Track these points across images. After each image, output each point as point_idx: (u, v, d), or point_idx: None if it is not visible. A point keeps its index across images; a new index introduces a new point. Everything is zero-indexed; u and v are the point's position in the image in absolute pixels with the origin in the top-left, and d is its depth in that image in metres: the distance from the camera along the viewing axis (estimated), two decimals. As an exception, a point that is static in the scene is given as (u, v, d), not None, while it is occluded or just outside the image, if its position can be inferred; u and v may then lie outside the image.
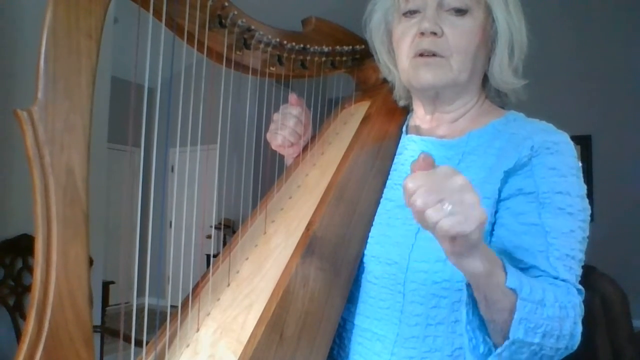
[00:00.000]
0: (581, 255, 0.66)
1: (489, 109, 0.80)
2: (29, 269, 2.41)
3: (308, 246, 0.69)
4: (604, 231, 4.07)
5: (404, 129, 0.87)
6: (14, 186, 2.38)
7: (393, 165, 0.83)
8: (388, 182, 0.80)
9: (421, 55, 0.73)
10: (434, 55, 0.72)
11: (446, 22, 0.72)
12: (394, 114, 0.89)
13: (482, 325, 0.62)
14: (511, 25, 0.74)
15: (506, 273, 0.57)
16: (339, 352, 0.76)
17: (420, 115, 0.83)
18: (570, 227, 0.65)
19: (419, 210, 0.50)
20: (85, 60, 0.54)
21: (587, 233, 0.67)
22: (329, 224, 0.73)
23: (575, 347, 0.62)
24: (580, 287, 0.65)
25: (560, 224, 0.65)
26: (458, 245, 0.51)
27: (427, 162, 0.52)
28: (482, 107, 0.80)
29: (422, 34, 0.72)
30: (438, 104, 0.79)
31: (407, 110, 0.90)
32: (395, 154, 0.84)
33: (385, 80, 0.90)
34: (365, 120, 0.88)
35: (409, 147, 0.82)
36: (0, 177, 2.36)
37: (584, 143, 4.33)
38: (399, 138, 0.86)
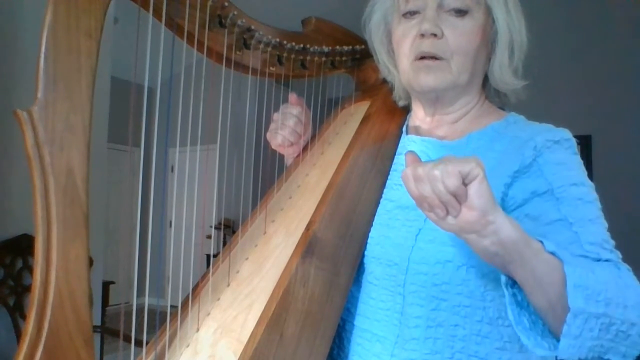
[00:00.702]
0: (612, 242, 0.64)
1: (489, 110, 0.80)
2: (29, 269, 2.41)
3: (308, 246, 0.69)
4: (604, 231, 4.08)
5: (404, 129, 0.87)
6: (14, 186, 2.38)
7: (393, 166, 0.82)
8: (388, 182, 0.80)
9: (422, 57, 0.73)
10: (434, 57, 0.72)
11: (446, 23, 0.71)
12: (393, 114, 0.89)
13: (536, 325, 0.58)
14: (511, 25, 0.73)
15: (541, 241, 0.56)
16: (338, 353, 0.76)
17: (420, 117, 0.83)
18: (594, 214, 0.65)
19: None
20: (85, 60, 0.54)
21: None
22: (329, 224, 0.73)
23: None
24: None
25: (583, 212, 0.64)
26: (472, 216, 0.52)
27: (413, 159, 0.56)
28: (482, 108, 0.79)
29: (423, 35, 0.71)
30: (439, 106, 0.79)
31: (406, 111, 0.90)
32: (395, 154, 0.84)
33: (385, 81, 0.90)
34: (365, 120, 0.88)
35: (409, 148, 0.82)
36: (0, 177, 2.36)
37: (584, 143, 4.32)
38: (399, 138, 0.86)
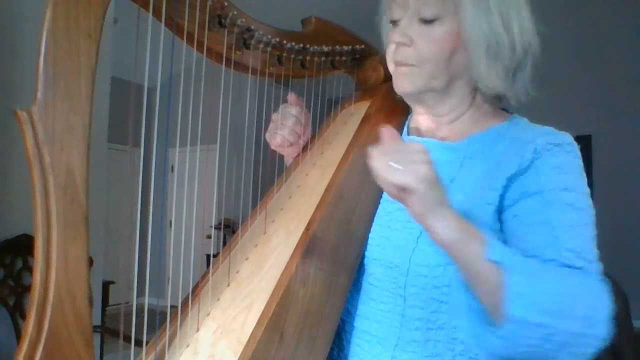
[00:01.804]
0: (596, 251, 0.64)
1: (492, 112, 0.78)
2: (29, 269, 2.41)
3: (308, 246, 0.69)
4: (604, 231, 4.07)
5: (405, 129, 0.87)
6: (14, 186, 2.38)
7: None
8: None
9: (398, 65, 0.76)
10: (406, 64, 0.74)
11: (417, 32, 0.72)
12: (394, 114, 0.89)
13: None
14: (494, 25, 0.70)
15: (489, 246, 0.57)
16: (338, 354, 0.76)
17: (419, 117, 0.83)
18: (580, 222, 0.64)
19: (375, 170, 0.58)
20: (85, 60, 0.54)
21: (595, 232, 0.66)
22: (329, 224, 0.73)
23: (603, 337, 0.56)
24: (603, 277, 0.61)
25: (568, 218, 0.64)
26: (414, 203, 0.56)
27: (390, 135, 0.61)
28: (481, 110, 0.78)
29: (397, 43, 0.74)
30: (425, 108, 0.79)
31: (407, 111, 0.90)
32: (395, 154, 0.84)
33: (385, 80, 0.90)
34: (365, 120, 0.88)
35: None
36: (0, 177, 2.36)
37: (584, 143, 4.30)
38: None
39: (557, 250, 0.62)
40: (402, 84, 0.76)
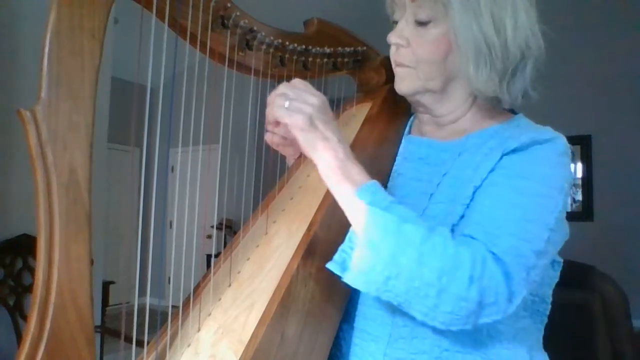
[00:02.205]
0: (526, 235, 0.62)
1: (493, 112, 0.78)
2: (29, 269, 2.41)
3: (309, 247, 0.69)
4: (604, 231, 4.07)
5: (406, 130, 0.87)
6: (14, 186, 2.38)
7: (395, 167, 0.83)
8: (389, 184, 0.81)
9: (396, 65, 0.77)
10: (402, 65, 0.76)
11: (413, 33, 0.74)
12: (395, 116, 0.89)
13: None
14: (484, 27, 0.68)
15: (361, 188, 0.62)
16: (335, 353, 0.76)
17: (421, 118, 0.84)
18: (516, 206, 0.63)
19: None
20: (89, 60, 0.54)
21: (548, 221, 0.63)
22: (331, 225, 0.73)
23: (461, 296, 0.57)
24: (501, 258, 0.59)
25: (502, 200, 0.64)
26: (299, 138, 0.63)
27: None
28: (482, 111, 0.78)
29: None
30: (425, 109, 0.80)
31: (409, 113, 0.90)
32: (396, 156, 0.84)
33: (387, 82, 0.91)
34: (366, 121, 0.88)
35: (409, 148, 0.83)
36: (0, 177, 2.36)
37: (584, 143, 4.32)
38: (401, 140, 0.86)
39: (470, 224, 0.64)
40: (400, 85, 0.78)
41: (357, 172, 0.64)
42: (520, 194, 0.64)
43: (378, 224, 0.59)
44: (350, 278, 0.61)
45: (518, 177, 0.66)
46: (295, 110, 0.62)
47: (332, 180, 0.63)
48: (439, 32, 0.72)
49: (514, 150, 0.68)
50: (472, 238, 0.62)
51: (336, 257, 0.64)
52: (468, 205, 0.67)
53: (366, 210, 0.60)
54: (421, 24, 0.72)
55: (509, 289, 0.59)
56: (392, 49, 0.78)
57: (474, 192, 0.68)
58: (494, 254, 0.60)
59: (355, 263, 0.61)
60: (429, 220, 0.65)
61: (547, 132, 0.70)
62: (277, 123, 0.68)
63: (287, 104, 0.63)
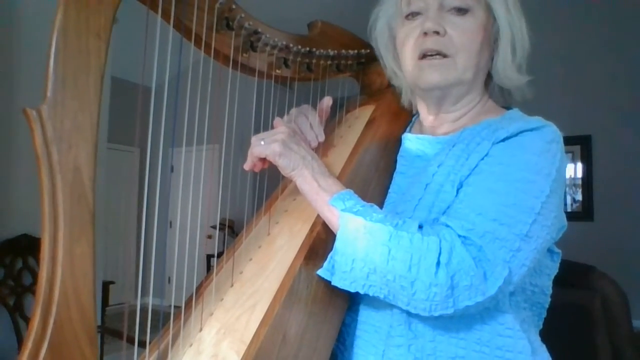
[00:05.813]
0: (506, 219, 0.62)
1: (491, 108, 0.80)
2: (29, 269, 2.41)
3: (312, 248, 0.70)
4: (604, 231, 4.07)
5: (406, 130, 0.87)
6: (14, 186, 2.38)
7: (397, 168, 0.83)
8: (392, 184, 0.81)
9: (425, 56, 0.74)
10: (438, 54, 0.73)
11: (448, 22, 0.73)
12: (398, 118, 0.89)
13: None
14: (512, 23, 0.75)
15: (334, 197, 0.67)
16: (337, 346, 0.76)
17: (423, 115, 0.84)
18: (493, 191, 0.64)
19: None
20: (94, 60, 0.55)
21: (532, 205, 0.63)
22: (333, 226, 0.73)
23: (431, 283, 0.59)
24: (475, 241, 0.60)
25: (481, 186, 0.65)
26: (279, 165, 0.71)
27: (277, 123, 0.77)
28: (484, 107, 0.80)
29: (426, 34, 0.73)
30: (443, 105, 0.79)
31: (411, 114, 0.90)
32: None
33: (389, 85, 0.91)
34: (369, 123, 0.88)
35: (405, 146, 0.83)
36: (1, 178, 2.36)
37: (584, 143, 4.32)
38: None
39: (450, 212, 0.66)
40: (431, 76, 0.74)
41: (331, 184, 0.70)
42: (499, 179, 0.65)
43: (350, 227, 0.64)
44: (337, 280, 0.66)
45: (499, 164, 0.67)
46: (269, 142, 0.71)
47: (311, 193, 0.70)
48: (476, 21, 0.73)
49: (502, 140, 0.69)
50: (447, 226, 0.63)
51: (325, 264, 0.68)
52: (457, 194, 0.68)
53: (339, 215, 0.66)
54: (460, 10, 0.72)
55: (483, 270, 0.59)
56: (414, 41, 0.75)
57: (463, 181, 0.69)
58: (466, 237, 0.61)
59: (338, 265, 0.65)
60: (421, 212, 0.69)
61: (536, 121, 0.70)
62: (262, 160, 0.74)
63: (262, 142, 0.72)
